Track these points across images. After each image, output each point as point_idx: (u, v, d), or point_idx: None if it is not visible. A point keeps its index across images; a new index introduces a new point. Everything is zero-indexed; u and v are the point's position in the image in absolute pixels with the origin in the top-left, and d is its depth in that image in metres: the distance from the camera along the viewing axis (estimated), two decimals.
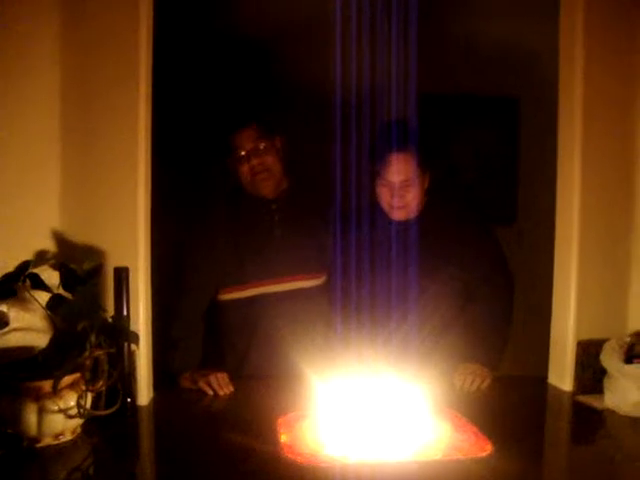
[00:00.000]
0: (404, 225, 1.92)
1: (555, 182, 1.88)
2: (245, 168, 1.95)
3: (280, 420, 1.52)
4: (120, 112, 1.63)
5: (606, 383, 1.69)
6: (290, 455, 1.34)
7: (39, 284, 1.42)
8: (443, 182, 2.11)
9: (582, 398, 1.73)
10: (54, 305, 1.37)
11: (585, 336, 1.80)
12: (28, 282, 1.43)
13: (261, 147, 1.94)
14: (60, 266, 1.43)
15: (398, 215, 1.93)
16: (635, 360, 1.64)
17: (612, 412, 1.62)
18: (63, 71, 1.62)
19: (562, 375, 1.83)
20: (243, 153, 1.94)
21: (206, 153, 2.21)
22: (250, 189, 1.99)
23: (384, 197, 1.93)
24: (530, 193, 3.11)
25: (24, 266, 1.42)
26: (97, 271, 1.52)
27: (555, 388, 1.85)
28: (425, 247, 1.86)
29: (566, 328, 1.82)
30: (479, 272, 1.96)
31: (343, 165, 1.94)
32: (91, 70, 1.63)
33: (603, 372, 1.71)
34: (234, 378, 1.83)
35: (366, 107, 2.07)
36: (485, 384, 1.84)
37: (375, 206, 1.98)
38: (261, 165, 1.93)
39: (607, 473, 1.35)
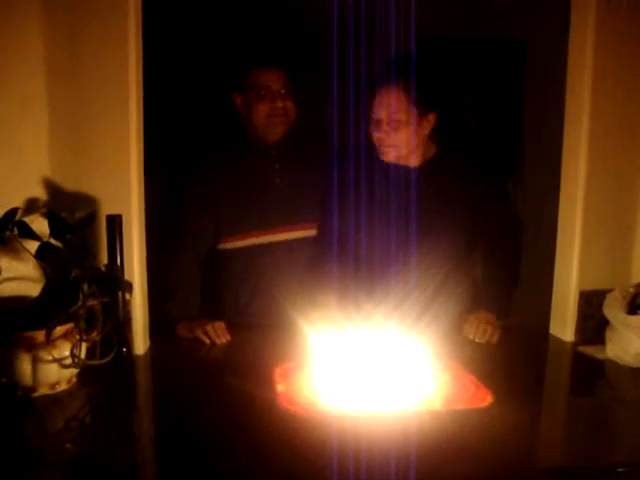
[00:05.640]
0: (406, 173, 1.84)
1: (561, 130, 1.82)
2: (264, 107, 1.86)
3: (277, 370, 1.51)
4: (109, 49, 1.55)
5: (608, 334, 1.67)
6: (286, 404, 1.33)
7: (27, 232, 1.38)
8: (450, 130, 2.02)
9: (583, 349, 1.72)
10: (43, 253, 1.34)
11: (588, 286, 1.78)
12: (16, 231, 1.39)
13: (286, 91, 1.88)
14: (48, 214, 1.39)
15: (387, 155, 1.82)
16: (638, 311, 1.62)
17: (613, 363, 1.62)
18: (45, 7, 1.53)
19: (564, 326, 1.81)
20: (266, 93, 1.86)
21: (204, 95, 2.12)
22: (258, 131, 1.91)
23: (372, 135, 1.82)
24: (535, 142, 3.04)
25: (11, 213, 1.38)
26: (90, 219, 1.49)
27: (556, 339, 1.84)
28: (429, 197, 1.81)
29: (569, 278, 1.80)
30: (488, 230, 1.91)
31: (341, 113, 1.85)
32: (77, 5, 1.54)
33: (605, 323, 1.69)
34: (232, 327, 1.81)
35: (364, 51, 1.96)
36: (496, 336, 1.79)
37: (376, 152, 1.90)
38: (283, 109, 1.87)
39: (606, 423, 1.34)
